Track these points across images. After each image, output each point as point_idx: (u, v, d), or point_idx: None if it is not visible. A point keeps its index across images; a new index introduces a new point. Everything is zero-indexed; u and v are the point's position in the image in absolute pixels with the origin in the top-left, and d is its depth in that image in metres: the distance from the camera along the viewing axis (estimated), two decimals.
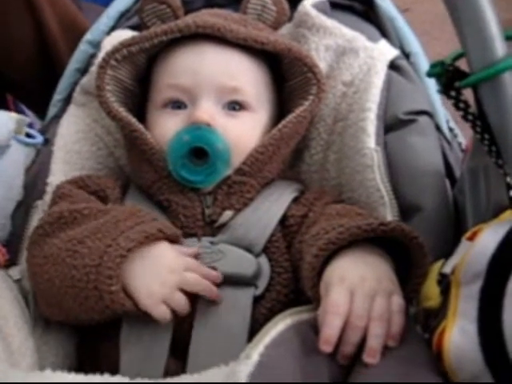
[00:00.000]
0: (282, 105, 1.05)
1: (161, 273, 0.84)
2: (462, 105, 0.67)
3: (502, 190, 0.70)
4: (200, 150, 0.92)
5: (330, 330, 0.67)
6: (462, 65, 0.70)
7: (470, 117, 0.67)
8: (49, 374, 0.72)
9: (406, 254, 0.77)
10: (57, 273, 0.84)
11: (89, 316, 0.85)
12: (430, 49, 1.10)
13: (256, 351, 0.65)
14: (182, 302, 0.84)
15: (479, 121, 0.67)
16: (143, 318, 0.84)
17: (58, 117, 1.13)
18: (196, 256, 0.89)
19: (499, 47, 0.64)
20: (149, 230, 0.84)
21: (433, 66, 0.69)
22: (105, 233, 0.84)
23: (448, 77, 0.67)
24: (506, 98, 0.64)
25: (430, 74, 0.69)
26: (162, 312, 0.83)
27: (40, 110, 1.21)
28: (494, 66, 0.63)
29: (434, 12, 2.09)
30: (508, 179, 0.66)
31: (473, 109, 0.68)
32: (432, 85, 1.07)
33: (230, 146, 0.93)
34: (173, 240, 0.88)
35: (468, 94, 0.70)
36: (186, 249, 0.89)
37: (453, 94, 0.67)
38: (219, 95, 0.96)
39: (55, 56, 1.33)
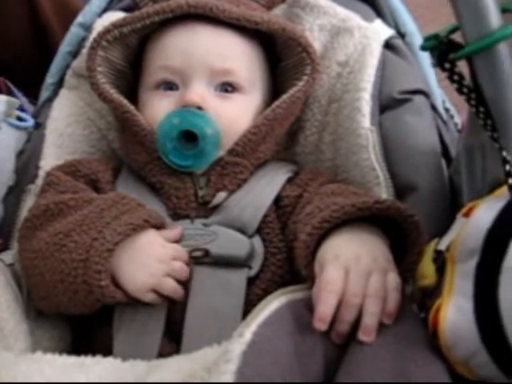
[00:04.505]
0: (276, 86, 1.04)
1: (148, 263, 0.84)
2: (456, 77, 0.66)
3: (498, 166, 0.69)
4: (190, 133, 0.91)
5: (325, 307, 0.66)
6: (457, 40, 0.69)
7: (465, 89, 0.66)
8: (39, 357, 0.72)
9: (401, 232, 0.76)
10: (46, 267, 0.84)
11: (79, 310, 0.85)
12: (426, 32, 1.09)
13: (249, 330, 0.64)
14: (172, 287, 0.85)
15: (474, 93, 0.66)
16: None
17: (50, 100, 1.12)
18: (181, 236, 0.89)
19: (494, 18, 0.63)
20: (135, 221, 0.84)
21: (427, 39, 0.68)
22: (90, 224, 0.83)
23: (442, 49, 0.66)
24: (500, 70, 0.64)
25: (424, 48, 0.68)
26: (151, 299, 0.84)
27: (33, 93, 1.20)
28: (488, 36, 0.62)
29: None
30: (504, 153, 0.65)
31: (467, 81, 0.67)
32: (427, 64, 1.06)
33: (222, 128, 0.92)
34: (159, 226, 0.88)
35: (463, 69, 0.69)
36: (171, 232, 0.88)
37: (447, 66, 0.66)
38: (211, 77, 0.95)
39: (49, 36, 1.32)
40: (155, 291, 0.84)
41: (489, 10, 0.63)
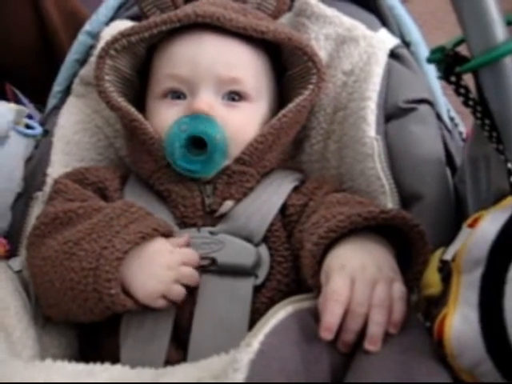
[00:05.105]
0: (282, 94, 1.05)
1: (158, 271, 0.85)
2: (462, 90, 0.67)
3: (502, 177, 0.70)
4: (198, 139, 0.92)
5: (331, 317, 0.67)
6: (463, 52, 0.70)
7: (471, 102, 0.67)
8: (49, 364, 0.72)
9: (406, 241, 0.77)
10: (56, 275, 0.84)
11: (88, 318, 0.86)
12: (431, 39, 1.09)
13: (256, 339, 0.64)
14: (180, 294, 0.85)
15: (480, 106, 0.67)
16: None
17: (57, 108, 1.13)
18: (188, 244, 0.89)
19: (500, 32, 0.63)
20: (144, 230, 0.84)
21: (433, 51, 0.68)
22: (99, 233, 0.84)
23: (448, 62, 0.67)
24: (506, 83, 0.64)
25: (430, 60, 0.69)
26: (161, 305, 0.85)
27: (40, 100, 1.21)
28: (494, 50, 0.62)
29: (434, 3, 2.07)
30: (509, 165, 0.65)
31: (473, 94, 0.68)
32: (432, 74, 1.06)
33: (229, 136, 0.93)
34: (167, 235, 0.89)
35: (469, 81, 0.69)
36: (178, 240, 0.89)
37: (453, 79, 0.67)
38: (218, 86, 0.96)
39: (56, 45, 1.33)
40: (165, 297, 0.85)
41: (494, 23, 0.63)
